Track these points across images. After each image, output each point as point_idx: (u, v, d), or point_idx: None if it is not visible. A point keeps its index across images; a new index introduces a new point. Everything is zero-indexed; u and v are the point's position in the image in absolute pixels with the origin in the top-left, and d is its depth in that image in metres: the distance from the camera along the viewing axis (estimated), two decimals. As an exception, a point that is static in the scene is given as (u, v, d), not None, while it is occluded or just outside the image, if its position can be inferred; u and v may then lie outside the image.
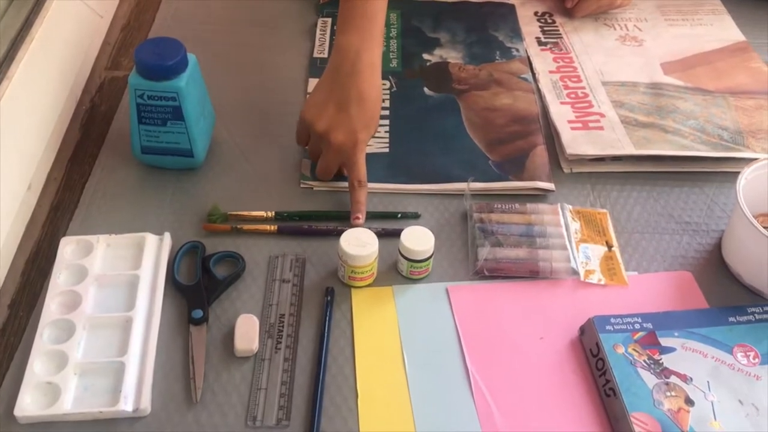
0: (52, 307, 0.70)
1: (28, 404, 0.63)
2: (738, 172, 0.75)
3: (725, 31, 1.07)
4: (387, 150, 0.88)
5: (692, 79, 0.98)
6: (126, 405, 0.63)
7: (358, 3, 0.80)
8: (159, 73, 0.77)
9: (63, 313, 0.69)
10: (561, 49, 1.03)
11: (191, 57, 0.80)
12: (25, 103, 0.79)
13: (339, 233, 0.73)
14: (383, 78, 0.94)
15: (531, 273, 0.75)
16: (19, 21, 0.82)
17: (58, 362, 0.66)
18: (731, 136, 0.89)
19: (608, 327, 0.68)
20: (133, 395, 0.64)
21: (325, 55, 1.00)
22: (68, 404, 0.64)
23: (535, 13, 1.10)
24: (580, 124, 0.90)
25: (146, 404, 0.64)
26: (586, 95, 0.95)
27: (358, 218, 0.78)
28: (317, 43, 1.02)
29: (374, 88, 0.80)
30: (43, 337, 0.67)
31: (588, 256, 0.77)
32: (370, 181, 0.82)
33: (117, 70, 0.99)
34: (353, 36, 0.79)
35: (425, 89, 0.96)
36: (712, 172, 0.87)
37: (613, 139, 0.88)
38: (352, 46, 0.79)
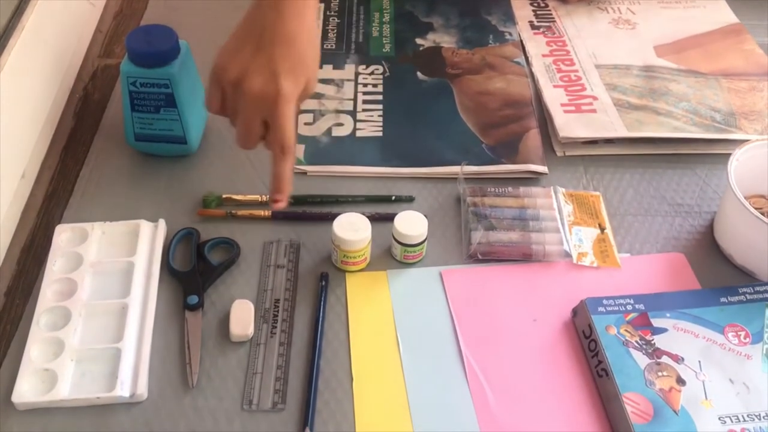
0: (48, 294, 0.70)
1: (26, 391, 0.64)
2: (729, 154, 0.76)
3: (718, 13, 1.06)
4: (380, 134, 0.88)
5: (685, 62, 0.98)
6: (123, 390, 0.64)
7: None
8: (151, 60, 0.77)
9: (59, 301, 0.70)
10: (554, 33, 1.03)
11: (183, 44, 0.80)
12: (17, 92, 0.79)
13: (333, 218, 0.73)
14: (376, 63, 0.94)
15: (524, 256, 0.76)
16: (10, 9, 0.82)
17: (54, 349, 0.66)
18: (724, 118, 0.89)
19: (600, 308, 0.69)
20: (130, 381, 0.65)
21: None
22: (65, 390, 0.64)
23: (528, -3, 1.10)
24: (573, 107, 0.91)
25: (143, 389, 0.65)
26: (579, 78, 0.95)
27: (277, 200, 0.64)
28: (310, 28, 1.02)
29: (305, 27, 0.64)
30: (40, 324, 0.68)
31: (581, 239, 0.78)
32: (364, 164, 0.82)
33: (110, 58, 0.99)
34: None
35: (418, 74, 0.96)
36: (705, 154, 0.87)
37: (605, 121, 0.89)
38: None
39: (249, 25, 0.65)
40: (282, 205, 0.64)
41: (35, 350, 0.66)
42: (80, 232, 0.75)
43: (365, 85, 0.94)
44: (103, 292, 0.71)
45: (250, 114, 0.63)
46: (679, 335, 0.68)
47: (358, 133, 0.88)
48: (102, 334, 0.68)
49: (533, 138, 0.87)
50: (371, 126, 0.89)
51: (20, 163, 0.80)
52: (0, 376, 0.66)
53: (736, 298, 0.71)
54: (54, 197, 0.81)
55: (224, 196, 0.80)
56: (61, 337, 0.67)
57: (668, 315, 0.69)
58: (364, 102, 0.92)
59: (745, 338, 0.68)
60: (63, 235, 0.75)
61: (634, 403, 0.63)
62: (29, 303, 0.71)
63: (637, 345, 0.67)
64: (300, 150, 0.85)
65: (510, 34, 1.02)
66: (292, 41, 0.63)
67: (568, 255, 0.76)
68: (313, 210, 0.79)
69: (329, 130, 0.88)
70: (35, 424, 0.63)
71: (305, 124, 0.89)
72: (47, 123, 0.86)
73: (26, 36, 0.80)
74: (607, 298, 0.70)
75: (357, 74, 0.96)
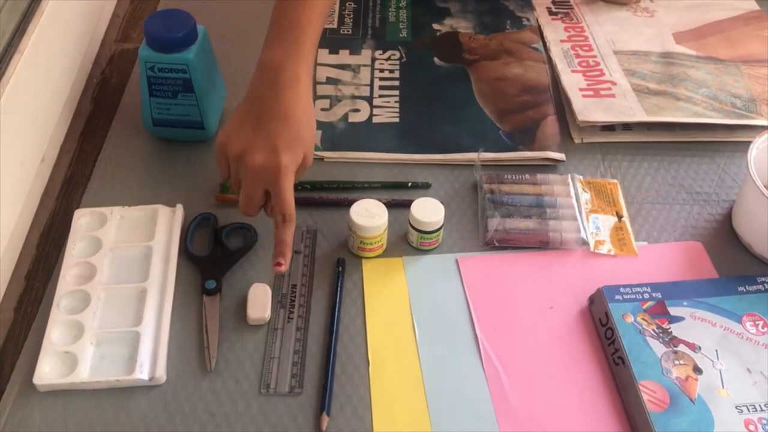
0: (67, 278, 0.71)
1: (47, 373, 0.65)
2: (749, 142, 0.75)
3: (739, 0, 1.05)
4: (397, 120, 0.88)
5: (704, 49, 0.97)
6: (142, 373, 0.65)
7: (285, 14, 0.71)
8: (169, 45, 0.77)
9: (79, 284, 0.70)
10: (572, 19, 1.02)
11: (201, 29, 0.80)
12: (37, 77, 0.79)
13: (349, 204, 0.74)
14: (393, 48, 0.94)
15: (541, 243, 0.76)
16: (29, -6, 0.82)
17: (75, 332, 0.67)
18: (744, 104, 0.89)
19: (617, 296, 0.69)
20: (149, 364, 0.66)
21: (335, 26, 1.00)
22: (85, 373, 0.65)
23: (546, -18, 1.09)
24: (591, 92, 0.90)
25: (161, 373, 0.65)
26: (598, 64, 0.95)
27: (279, 264, 0.67)
28: (327, 13, 1.02)
29: (300, 104, 0.68)
30: (60, 307, 0.69)
31: (598, 227, 0.77)
32: (380, 150, 0.82)
33: (127, 43, 0.99)
34: (276, 50, 0.69)
35: (435, 59, 0.96)
36: (723, 142, 0.86)
37: (624, 106, 0.88)
38: (274, 61, 0.69)
39: (249, 103, 0.69)
40: (283, 269, 0.67)
41: (55, 333, 0.67)
42: (99, 217, 0.76)
43: (382, 70, 0.94)
44: (122, 276, 0.72)
45: (252, 185, 0.67)
46: (696, 324, 0.68)
47: (375, 119, 0.88)
48: (121, 317, 0.69)
49: (551, 125, 0.86)
50: (388, 112, 0.89)
51: (40, 148, 0.80)
52: (21, 359, 0.67)
53: (754, 287, 0.70)
54: (72, 181, 0.82)
55: (241, 181, 0.80)
56: (81, 320, 0.68)
57: (685, 303, 0.69)
58: (381, 88, 0.92)
59: (763, 327, 0.68)
60: (82, 219, 0.76)
61: (650, 392, 0.63)
62: (49, 286, 0.72)
63: (653, 333, 0.66)
64: (317, 136, 0.85)
65: (527, 19, 1.02)
66: (289, 117, 0.67)
67: (585, 243, 0.76)
68: (330, 196, 0.79)
69: (346, 116, 0.88)
70: (56, 405, 0.64)
71: (322, 110, 0.89)
72: (66, 107, 0.86)
73: (45, 21, 0.81)
74: (624, 286, 0.70)
75: (373, 60, 0.95)
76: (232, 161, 0.68)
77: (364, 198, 0.74)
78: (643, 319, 0.68)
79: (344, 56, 0.96)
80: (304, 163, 0.69)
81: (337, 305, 0.71)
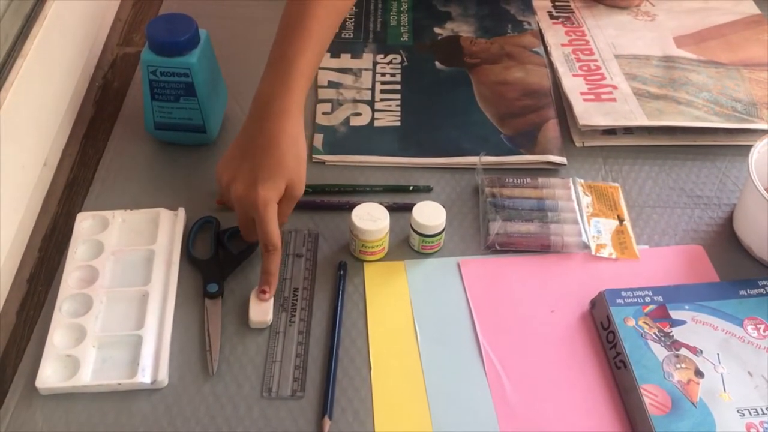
0: (69, 281, 0.71)
1: (49, 376, 0.65)
2: (750, 146, 0.75)
3: (739, 4, 1.05)
4: (398, 124, 0.88)
5: (705, 52, 0.97)
6: (144, 377, 0.65)
7: (280, 43, 0.73)
8: (171, 49, 0.77)
9: (81, 287, 0.71)
10: (573, 23, 1.03)
11: (203, 33, 0.80)
12: (39, 80, 0.79)
13: (351, 207, 0.74)
14: (394, 52, 0.94)
15: (542, 247, 0.76)
16: (31, -2, 0.83)
17: (77, 335, 0.67)
18: (745, 108, 0.89)
19: (619, 300, 0.69)
20: (151, 367, 0.66)
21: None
22: (87, 376, 0.65)
23: (547, -13, 1.09)
24: (592, 96, 0.90)
25: (164, 376, 0.65)
26: (599, 68, 0.95)
27: (264, 292, 0.69)
28: (328, 17, 1.02)
29: (285, 135, 0.69)
30: (62, 311, 0.69)
31: (599, 230, 0.77)
32: (381, 154, 0.82)
33: (129, 47, 0.99)
34: (266, 84, 0.72)
35: (436, 63, 0.96)
36: (725, 146, 0.87)
37: (626, 110, 0.88)
38: (264, 94, 0.71)
39: (240, 135, 0.72)
40: (268, 297, 0.69)
41: (58, 336, 0.67)
42: (101, 220, 0.76)
43: (383, 74, 0.94)
44: (124, 280, 0.72)
45: (240, 215, 0.71)
46: (697, 327, 0.68)
47: (376, 123, 0.88)
48: (123, 321, 0.69)
49: (552, 128, 0.87)
50: (389, 115, 0.89)
51: (42, 152, 0.81)
52: (24, 362, 0.67)
53: (755, 291, 0.71)
54: (75, 185, 0.82)
55: (243, 185, 0.80)
56: (83, 323, 0.68)
57: (687, 307, 0.69)
58: (382, 91, 0.92)
59: (764, 331, 0.68)
60: (84, 222, 0.76)
61: (652, 395, 0.63)
62: (51, 290, 0.72)
63: (655, 337, 0.67)
64: (318, 140, 0.85)
65: (528, 23, 1.02)
66: (272, 148, 0.69)
67: (586, 246, 0.76)
68: (332, 199, 0.80)
69: (347, 120, 0.88)
70: (58, 409, 0.64)
71: (323, 113, 0.89)
72: (68, 111, 0.86)
73: (48, 24, 0.81)
74: (626, 290, 0.70)
75: (375, 63, 0.96)
76: (224, 190, 0.71)
77: (365, 201, 0.75)
78: (644, 322, 0.68)
79: (346, 60, 0.96)
80: (290, 194, 0.70)
81: (339, 308, 0.71)
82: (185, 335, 0.69)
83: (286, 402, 0.65)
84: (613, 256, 0.76)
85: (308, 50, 0.73)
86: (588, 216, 0.78)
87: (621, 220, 0.79)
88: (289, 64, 0.72)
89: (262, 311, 0.69)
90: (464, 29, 1.01)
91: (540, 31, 1.01)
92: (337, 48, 0.97)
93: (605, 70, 0.95)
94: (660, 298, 0.69)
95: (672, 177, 0.84)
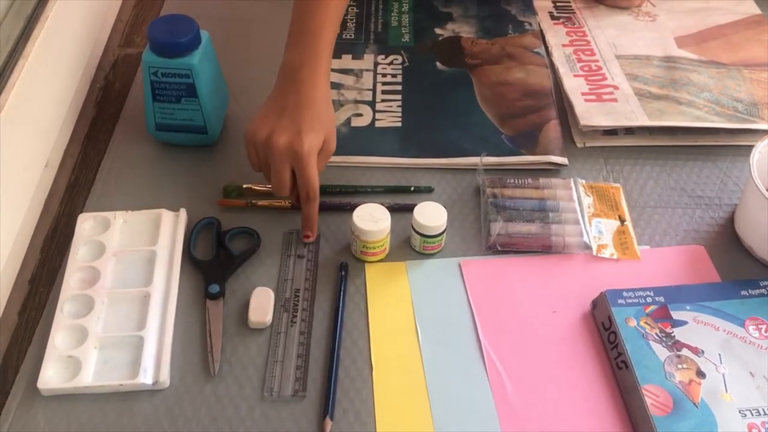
0: (71, 282, 0.71)
1: (51, 377, 0.65)
2: (752, 146, 0.75)
3: (740, 4, 1.05)
4: (399, 124, 0.88)
5: (706, 53, 0.97)
6: (145, 378, 0.65)
7: (302, 18, 0.77)
8: (172, 50, 0.77)
9: (82, 288, 0.71)
10: (574, 24, 1.03)
11: (204, 34, 0.80)
12: (41, 81, 0.79)
13: (352, 208, 0.74)
14: (395, 53, 0.94)
15: (543, 248, 0.76)
16: (33, 0, 0.83)
17: (78, 336, 0.67)
18: (746, 108, 0.89)
19: (620, 300, 0.69)
20: (153, 368, 0.66)
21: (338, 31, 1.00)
22: (89, 377, 0.65)
23: (548, -12, 1.09)
24: (593, 96, 0.90)
25: (165, 377, 0.65)
26: (600, 68, 0.95)
27: (308, 236, 0.75)
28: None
29: (318, 95, 0.74)
30: (64, 312, 0.69)
31: (601, 231, 0.77)
32: (383, 154, 0.82)
33: (130, 48, 0.99)
34: (294, 54, 0.75)
35: (437, 64, 0.96)
36: (726, 146, 0.87)
37: (627, 110, 0.88)
38: (294, 64, 0.75)
39: (272, 98, 0.75)
40: (312, 239, 0.75)
41: (59, 337, 0.67)
42: (102, 221, 0.76)
43: (384, 75, 0.94)
44: (126, 281, 0.72)
45: (280, 166, 0.72)
46: (699, 328, 0.68)
47: (377, 124, 0.88)
48: (125, 322, 0.69)
49: (553, 129, 0.87)
50: (390, 116, 0.89)
51: (44, 153, 0.81)
52: (25, 363, 0.67)
53: (757, 291, 0.71)
54: (76, 186, 0.82)
55: (244, 186, 0.80)
56: (85, 324, 0.68)
57: (688, 308, 0.69)
58: (383, 92, 0.92)
59: (765, 331, 0.68)
60: (85, 223, 0.76)
61: (653, 396, 0.63)
62: (53, 291, 0.72)
63: (656, 337, 0.67)
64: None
65: (529, 24, 1.02)
66: (309, 104, 0.73)
67: (587, 247, 0.76)
68: (333, 200, 0.80)
69: (348, 121, 0.88)
70: (59, 409, 0.64)
71: (324, 114, 0.89)
72: (69, 112, 0.87)
73: (49, 25, 0.81)
74: (627, 290, 0.70)
75: (376, 64, 0.96)
76: (260, 148, 0.73)
77: (367, 202, 0.75)
78: (646, 323, 0.68)
79: (347, 61, 0.96)
80: (326, 148, 0.74)
81: (340, 309, 0.71)
82: (187, 336, 0.69)
83: (287, 402, 0.65)
84: (615, 257, 0.76)
85: (329, 23, 0.77)
86: (589, 216, 0.78)
87: (622, 221, 0.79)
88: (313, 36, 0.75)
89: (261, 312, 0.69)
90: (465, 30, 1.01)
91: (541, 31, 1.01)
92: (338, 49, 0.96)
93: (606, 70, 0.95)
94: (661, 299, 0.69)
95: (673, 177, 0.84)
